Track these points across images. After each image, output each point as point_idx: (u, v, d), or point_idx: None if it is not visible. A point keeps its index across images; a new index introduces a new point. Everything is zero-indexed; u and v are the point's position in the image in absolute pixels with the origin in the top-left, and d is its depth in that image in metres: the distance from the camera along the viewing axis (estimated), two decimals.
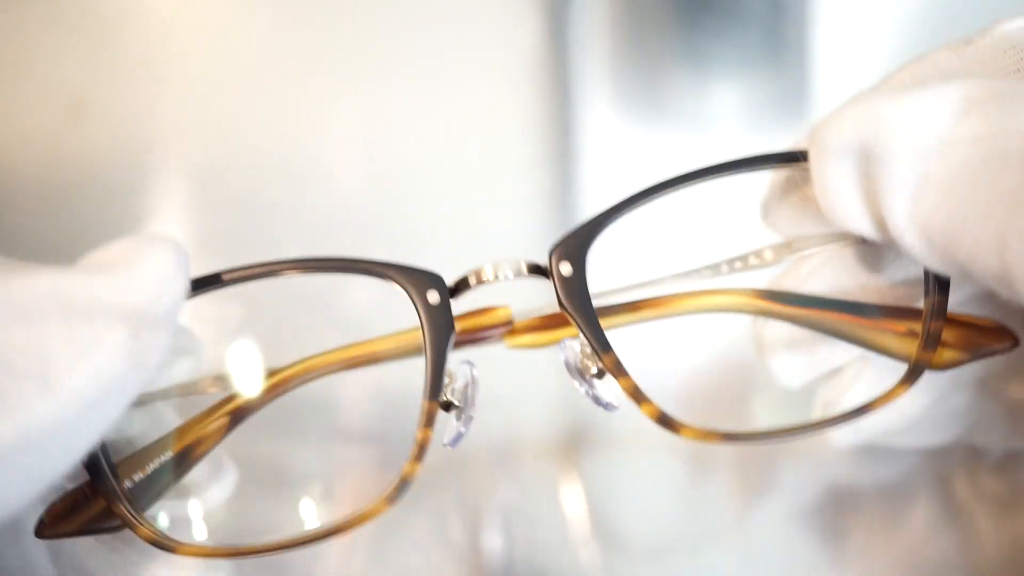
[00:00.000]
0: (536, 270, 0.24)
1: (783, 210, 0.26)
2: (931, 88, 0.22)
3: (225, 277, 0.24)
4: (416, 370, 0.24)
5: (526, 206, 0.39)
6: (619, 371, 0.24)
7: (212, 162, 0.40)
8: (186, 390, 0.26)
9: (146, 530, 0.24)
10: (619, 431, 0.34)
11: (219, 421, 0.26)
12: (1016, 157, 0.20)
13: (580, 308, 0.24)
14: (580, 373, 0.25)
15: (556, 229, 0.28)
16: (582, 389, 0.25)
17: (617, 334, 0.24)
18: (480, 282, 0.24)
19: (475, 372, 0.25)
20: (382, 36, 0.41)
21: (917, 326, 0.25)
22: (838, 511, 0.31)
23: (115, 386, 0.20)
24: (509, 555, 0.30)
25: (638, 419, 0.31)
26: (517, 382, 0.35)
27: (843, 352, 0.27)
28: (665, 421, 0.24)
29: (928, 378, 0.25)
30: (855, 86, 0.25)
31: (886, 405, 0.25)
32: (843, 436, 0.28)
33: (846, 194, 0.23)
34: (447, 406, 0.24)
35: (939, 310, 0.24)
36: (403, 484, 0.24)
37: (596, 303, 0.24)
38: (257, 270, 0.24)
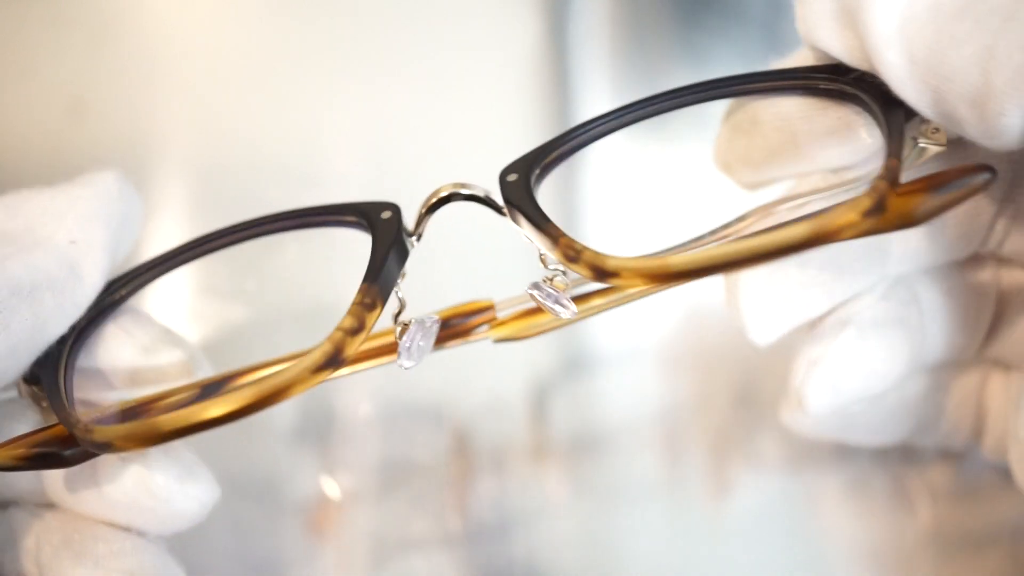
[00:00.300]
0: (481, 199, 0.24)
1: (735, 151, 0.26)
2: None
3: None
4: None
5: None
6: (572, 252, 0.22)
7: (212, 162, 0.40)
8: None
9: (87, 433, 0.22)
10: (615, 430, 0.34)
11: (189, 392, 0.25)
12: None
13: (522, 200, 0.23)
14: (555, 297, 0.24)
15: None
16: (562, 311, 0.24)
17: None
18: (435, 201, 0.24)
19: (433, 319, 0.24)
20: (382, 35, 0.41)
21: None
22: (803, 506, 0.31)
23: (48, 284, 0.22)
24: (508, 555, 0.30)
25: (634, 418, 0.31)
26: (511, 383, 0.35)
27: (818, 302, 0.25)
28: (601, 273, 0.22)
29: (887, 354, 0.25)
30: None
31: (843, 234, 0.21)
32: (821, 401, 0.26)
33: (828, 13, 0.23)
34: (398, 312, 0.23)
35: (895, 166, 0.22)
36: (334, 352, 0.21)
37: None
38: (221, 240, 0.25)
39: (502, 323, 0.26)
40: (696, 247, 0.26)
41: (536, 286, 0.24)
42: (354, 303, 0.22)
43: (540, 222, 0.23)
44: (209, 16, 0.42)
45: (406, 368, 0.24)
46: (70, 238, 0.23)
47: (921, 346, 0.26)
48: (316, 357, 0.21)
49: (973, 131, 0.21)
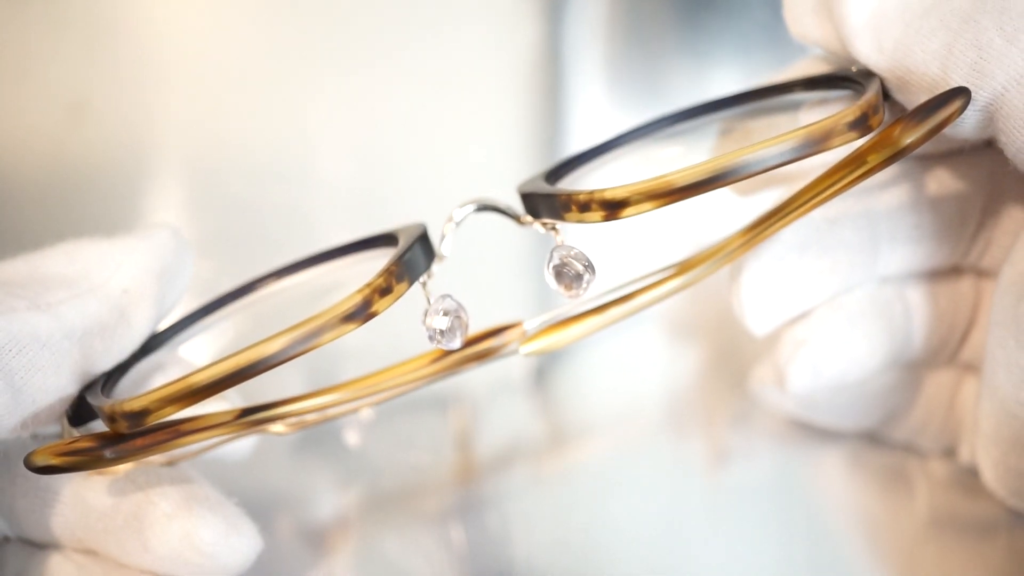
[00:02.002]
0: (489, 207, 0.25)
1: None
2: None
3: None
4: None
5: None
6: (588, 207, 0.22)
7: (211, 163, 0.40)
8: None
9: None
10: (608, 427, 0.34)
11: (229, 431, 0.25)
12: None
13: (533, 184, 0.25)
14: (572, 273, 0.24)
15: None
16: (566, 290, 0.24)
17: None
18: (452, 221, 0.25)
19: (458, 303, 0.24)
20: (380, 38, 0.41)
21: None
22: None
23: (98, 329, 0.23)
24: (508, 556, 0.30)
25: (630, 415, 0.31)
26: (512, 383, 0.35)
27: (813, 296, 0.27)
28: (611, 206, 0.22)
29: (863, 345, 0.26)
30: None
31: (837, 143, 0.22)
32: (802, 381, 0.27)
33: (809, 6, 0.25)
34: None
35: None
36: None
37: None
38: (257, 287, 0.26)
39: (532, 338, 0.27)
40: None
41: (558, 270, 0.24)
42: (384, 270, 0.22)
43: (549, 192, 0.24)
44: (208, 18, 0.42)
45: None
46: (123, 287, 0.24)
47: (902, 342, 0.28)
48: (347, 306, 0.22)
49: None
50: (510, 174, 0.40)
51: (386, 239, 0.26)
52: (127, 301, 0.25)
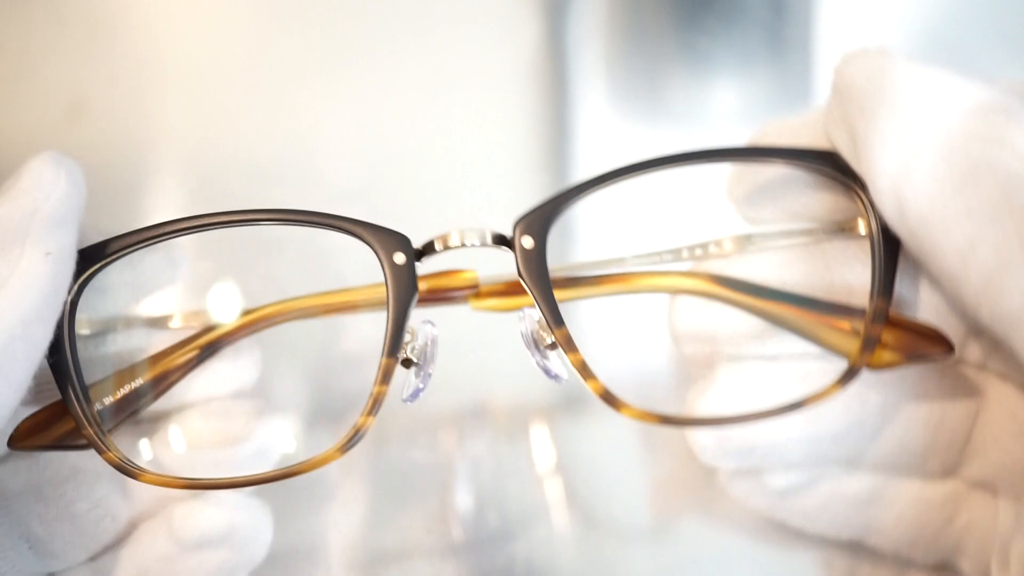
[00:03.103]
0: (500, 240, 0.25)
1: (744, 187, 0.27)
2: (957, 77, 0.22)
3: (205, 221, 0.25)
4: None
5: (524, 208, 0.39)
6: (569, 346, 0.25)
7: (211, 162, 0.40)
8: (161, 322, 0.27)
9: (111, 455, 0.24)
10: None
11: (189, 354, 0.26)
12: (1004, 172, 0.21)
13: (537, 281, 0.25)
14: (535, 344, 0.26)
15: None
16: (534, 359, 0.26)
17: (575, 309, 0.25)
18: (446, 247, 0.25)
19: (435, 332, 0.26)
20: (381, 37, 0.41)
21: (860, 324, 0.25)
22: None
23: (38, 304, 0.22)
24: (510, 555, 0.30)
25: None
26: (512, 383, 0.35)
27: (751, 349, 0.27)
28: (608, 398, 0.25)
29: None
30: None
31: (822, 401, 0.25)
32: (723, 460, 0.27)
33: (840, 141, 0.24)
34: (406, 363, 0.25)
35: (881, 313, 0.25)
36: (356, 435, 0.24)
37: (556, 275, 0.26)
38: (237, 216, 0.25)
39: (483, 295, 0.27)
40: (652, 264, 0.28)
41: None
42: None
43: (552, 312, 0.25)
44: (209, 17, 0.42)
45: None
46: (45, 250, 0.23)
47: (865, 439, 0.26)
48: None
49: (945, 296, 0.23)
50: (510, 174, 0.40)
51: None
52: (53, 264, 0.23)
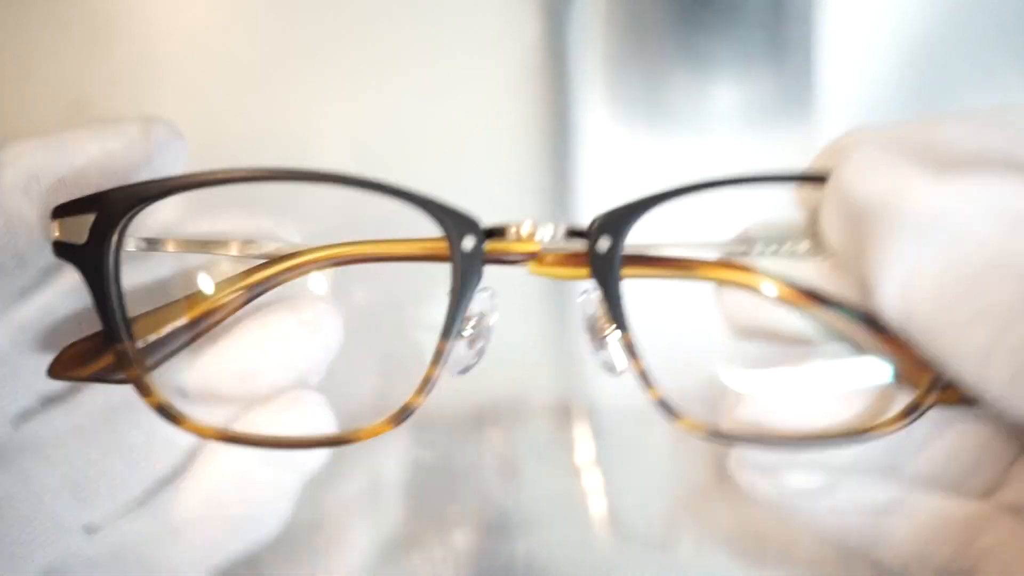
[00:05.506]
0: (574, 234, 0.25)
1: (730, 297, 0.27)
2: (961, 177, 0.21)
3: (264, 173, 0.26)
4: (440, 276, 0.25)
5: (524, 208, 0.39)
6: (632, 352, 0.24)
7: (211, 162, 0.40)
8: (213, 247, 0.26)
9: (154, 398, 0.24)
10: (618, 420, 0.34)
11: (236, 295, 0.26)
12: (1018, 272, 0.20)
13: (610, 285, 0.24)
14: (595, 330, 0.25)
15: None
16: (592, 346, 0.25)
17: (642, 309, 0.25)
18: (518, 237, 0.25)
19: (493, 302, 0.26)
20: (381, 36, 0.41)
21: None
22: None
23: None
24: (510, 554, 0.30)
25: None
26: (512, 383, 0.35)
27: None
28: (665, 407, 0.24)
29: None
30: (857, 87, 0.25)
31: (883, 434, 0.24)
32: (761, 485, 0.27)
33: (844, 239, 0.23)
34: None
35: None
36: (405, 411, 0.24)
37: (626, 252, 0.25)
38: (310, 173, 0.26)
39: (545, 262, 0.26)
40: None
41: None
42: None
43: (619, 318, 0.25)
44: (209, 16, 0.42)
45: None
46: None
47: (911, 449, 0.26)
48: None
49: (971, 392, 0.21)
50: (510, 174, 0.40)
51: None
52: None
